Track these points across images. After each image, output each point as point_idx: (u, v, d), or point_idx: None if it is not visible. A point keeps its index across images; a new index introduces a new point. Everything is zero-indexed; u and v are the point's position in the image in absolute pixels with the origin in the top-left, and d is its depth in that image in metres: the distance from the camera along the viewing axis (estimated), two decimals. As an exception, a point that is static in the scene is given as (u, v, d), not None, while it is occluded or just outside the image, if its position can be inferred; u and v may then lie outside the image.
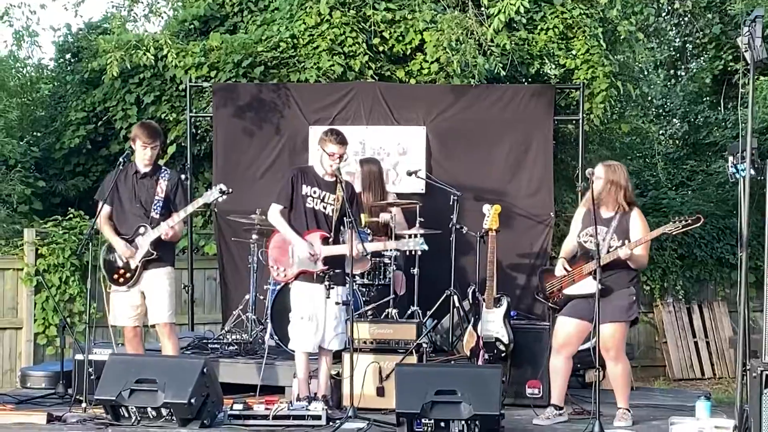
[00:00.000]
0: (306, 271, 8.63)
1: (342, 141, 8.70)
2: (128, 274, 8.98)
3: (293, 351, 8.83)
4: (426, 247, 9.11)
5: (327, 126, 11.06)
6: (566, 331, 8.51)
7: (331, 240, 8.65)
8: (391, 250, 9.84)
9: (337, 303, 8.52)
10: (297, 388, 8.72)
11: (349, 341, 8.44)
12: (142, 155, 9.04)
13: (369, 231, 9.89)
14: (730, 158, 8.45)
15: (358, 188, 10.02)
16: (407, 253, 9.89)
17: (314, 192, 8.72)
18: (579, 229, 8.61)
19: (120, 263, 9.01)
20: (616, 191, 8.41)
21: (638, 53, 15.94)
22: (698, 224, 8.23)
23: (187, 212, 9.07)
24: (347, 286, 8.53)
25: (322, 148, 8.72)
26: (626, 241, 8.30)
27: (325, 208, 8.72)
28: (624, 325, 8.41)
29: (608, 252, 8.28)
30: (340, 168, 8.74)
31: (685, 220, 8.21)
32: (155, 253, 8.91)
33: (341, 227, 8.68)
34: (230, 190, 9.04)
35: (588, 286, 8.33)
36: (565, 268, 8.54)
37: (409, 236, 9.54)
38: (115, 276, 9.02)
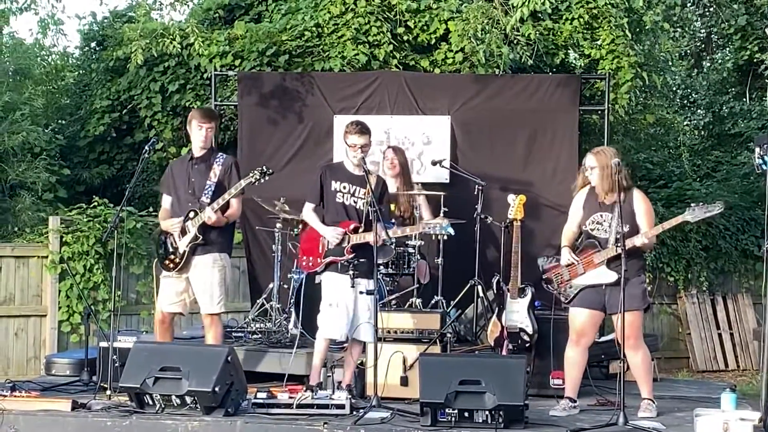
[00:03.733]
0: (334, 261, 8.65)
1: (362, 131, 8.70)
2: (177, 260, 9.01)
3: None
4: (452, 231, 9.04)
5: (352, 115, 11.11)
6: (581, 322, 8.45)
7: (361, 230, 8.65)
8: (416, 237, 9.88)
9: (361, 293, 8.52)
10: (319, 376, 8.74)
11: (374, 331, 8.42)
12: (198, 136, 9.09)
13: (394, 221, 9.89)
14: (757, 149, 8.36)
15: (381, 173, 10.01)
16: (432, 237, 9.89)
17: (344, 187, 8.74)
18: (580, 215, 8.52)
19: (170, 249, 9.05)
20: (612, 175, 8.35)
21: (663, 43, 15.87)
22: (719, 211, 8.19)
23: (232, 194, 8.95)
24: (373, 276, 8.51)
25: (345, 140, 8.76)
26: (627, 226, 8.23)
27: (355, 202, 8.74)
28: (640, 313, 8.35)
29: (617, 238, 8.22)
30: (365, 158, 8.72)
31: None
32: (201, 237, 8.92)
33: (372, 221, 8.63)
34: (271, 171, 8.98)
35: (600, 276, 8.29)
36: (570, 258, 8.50)
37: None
38: (166, 261, 9.07)
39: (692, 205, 8.28)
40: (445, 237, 9.65)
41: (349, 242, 8.65)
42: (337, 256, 8.68)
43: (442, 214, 9.95)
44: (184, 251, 8.97)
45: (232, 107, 13.02)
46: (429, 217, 10.38)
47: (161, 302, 9.19)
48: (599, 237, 8.33)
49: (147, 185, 14.46)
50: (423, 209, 10.51)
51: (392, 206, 10.21)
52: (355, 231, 8.66)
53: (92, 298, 12.38)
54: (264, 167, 8.96)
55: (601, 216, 8.35)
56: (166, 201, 9.23)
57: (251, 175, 8.91)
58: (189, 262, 9.00)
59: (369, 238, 8.55)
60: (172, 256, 9.04)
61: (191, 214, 8.94)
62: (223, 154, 9.30)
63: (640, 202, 8.36)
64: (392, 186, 10.27)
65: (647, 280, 8.26)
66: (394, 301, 10.02)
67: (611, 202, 8.28)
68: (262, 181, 8.97)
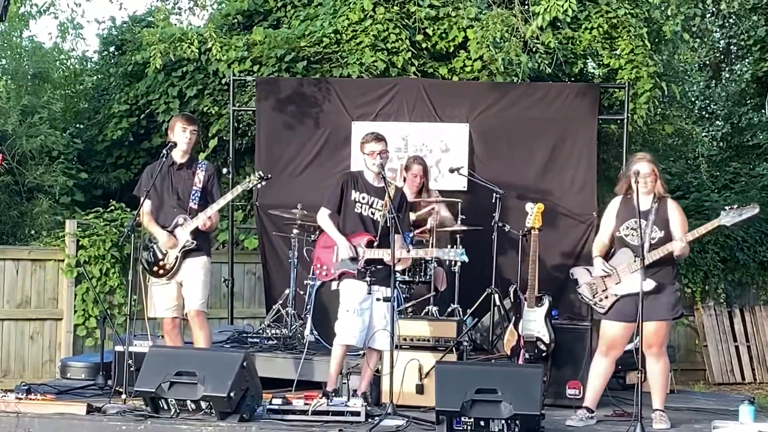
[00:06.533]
0: (347, 272, 8.60)
1: (379, 138, 8.70)
2: (168, 266, 9.00)
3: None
4: (466, 259, 8.94)
5: (370, 122, 11.12)
6: (613, 334, 8.33)
7: (376, 244, 8.60)
8: (432, 259, 9.86)
9: (378, 299, 8.48)
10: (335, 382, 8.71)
11: (390, 338, 8.38)
12: (182, 138, 9.07)
13: (412, 228, 9.84)
14: (776, 161, 8.34)
15: (400, 183, 9.98)
16: (446, 263, 9.88)
17: (363, 198, 8.69)
18: (614, 223, 8.42)
19: (160, 255, 9.03)
20: (655, 181, 8.30)
21: (682, 54, 15.83)
22: (755, 212, 8.11)
23: (227, 200, 9.10)
24: (390, 283, 8.46)
25: (363, 150, 8.73)
26: (662, 232, 8.16)
27: (373, 213, 8.68)
28: (670, 323, 8.28)
29: (651, 244, 8.18)
30: (383, 165, 8.69)
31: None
32: (194, 242, 8.95)
33: (389, 232, 8.56)
34: (269, 176, 9.13)
35: (638, 284, 8.11)
36: (604, 269, 8.41)
37: (451, 246, 9.49)
38: (155, 269, 9.04)
39: (726, 208, 8.19)
40: (459, 263, 9.63)
41: (363, 256, 8.60)
42: (350, 269, 8.63)
43: (459, 222, 9.92)
44: (176, 256, 8.98)
45: (250, 113, 13.01)
46: (448, 215, 10.38)
47: (158, 309, 9.14)
48: (632, 244, 8.25)
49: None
50: (442, 209, 10.48)
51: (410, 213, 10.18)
52: (370, 244, 8.60)
53: (108, 302, 12.41)
54: (261, 172, 9.12)
55: (636, 222, 8.24)
56: (148, 205, 9.16)
57: (248, 180, 9.05)
58: (180, 267, 9.02)
59: (383, 255, 8.50)
60: (162, 262, 9.03)
61: (180, 220, 8.97)
62: (204, 162, 9.37)
63: (674, 210, 8.29)
64: (411, 197, 10.24)
65: (681, 288, 8.08)
66: (410, 309, 9.99)
67: (645, 208, 8.21)
68: (259, 186, 9.11)
